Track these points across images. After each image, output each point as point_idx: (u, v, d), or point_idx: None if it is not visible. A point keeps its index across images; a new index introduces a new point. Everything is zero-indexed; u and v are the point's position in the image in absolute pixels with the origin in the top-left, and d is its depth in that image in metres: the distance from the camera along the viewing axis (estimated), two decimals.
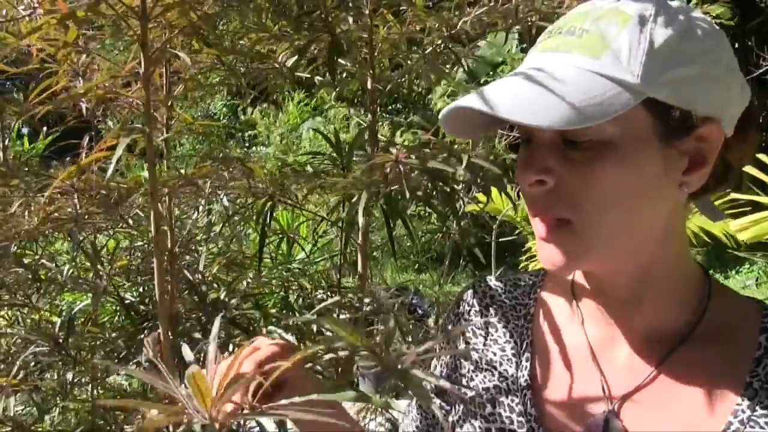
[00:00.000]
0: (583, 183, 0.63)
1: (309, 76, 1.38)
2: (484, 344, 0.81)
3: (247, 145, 7.24)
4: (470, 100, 0.63)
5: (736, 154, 0.68)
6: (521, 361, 0.77)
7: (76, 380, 1.59)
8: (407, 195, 0.89)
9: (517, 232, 4.01)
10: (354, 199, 0.96)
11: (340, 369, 1.37)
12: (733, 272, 6.78)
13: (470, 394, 0.80)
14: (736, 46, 8.92)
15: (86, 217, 1.09)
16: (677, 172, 0.64)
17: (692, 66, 0.61)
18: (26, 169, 1.18)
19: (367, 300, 1.38)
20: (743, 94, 0.66)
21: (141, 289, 1.65)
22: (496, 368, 0.79)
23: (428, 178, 0.96)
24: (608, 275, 0.71)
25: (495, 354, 0.80)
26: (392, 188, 0.94)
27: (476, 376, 0.80)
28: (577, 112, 0.58)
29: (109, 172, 0.94)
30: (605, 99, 0.59)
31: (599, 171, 0.62)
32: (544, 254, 0.68)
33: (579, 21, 0.64)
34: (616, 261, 0.68)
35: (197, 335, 1.43)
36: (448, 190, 0.98)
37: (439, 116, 0.68)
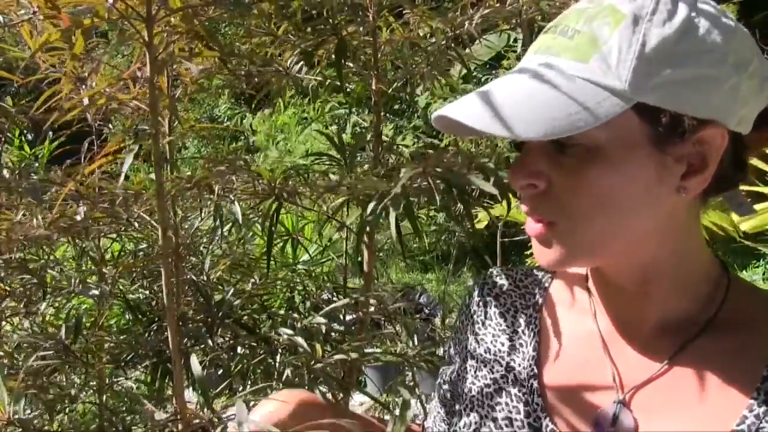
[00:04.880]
0: (570, 189, 0.62)
1: (311, 78, 1.37)
2: (493, 335, 0.81)
3: (251, 148, 7.24)
4: (451, 109, 0.63)
5: (755, 151, 0.66)
6: (528, 350, 0.77)
7: (83, 383, 1.59)
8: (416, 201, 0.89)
9: (523, 229, 3.99)
10: (370, 208, 0.96)
11: (347, 369, 1.37)
12: (740, 268, 6.75)
13: (476, 383, 0.80)
14: None
15: (94, 222, 1.09)
16: (674, 177, 0.62)
17: (687, 68, 0.58)
18: (33, 176, 1.18)
19: (372, 301, 1.38)
20: (765, 89, 0.62)
21: (147, 291, 1.66)
22: (503, 358, 0.79)
23: (446, 187, 0.96)
24: (609, 272, 0.71)
25: (503, 344, 0.80)
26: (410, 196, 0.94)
27: (484, 365, 0.80)
28: (547, 125, 0.57)
29: (121, 179, 0.94)
30: (590, 106, 0.57)
31: (586, 177, 0.61)
32: (536, 251, 0.69)
33: (573, 20, 0.63)
34: (610, 260, 0.68)
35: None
36: (466, 197, 0.98)
37: (432, 118, 0.67)
